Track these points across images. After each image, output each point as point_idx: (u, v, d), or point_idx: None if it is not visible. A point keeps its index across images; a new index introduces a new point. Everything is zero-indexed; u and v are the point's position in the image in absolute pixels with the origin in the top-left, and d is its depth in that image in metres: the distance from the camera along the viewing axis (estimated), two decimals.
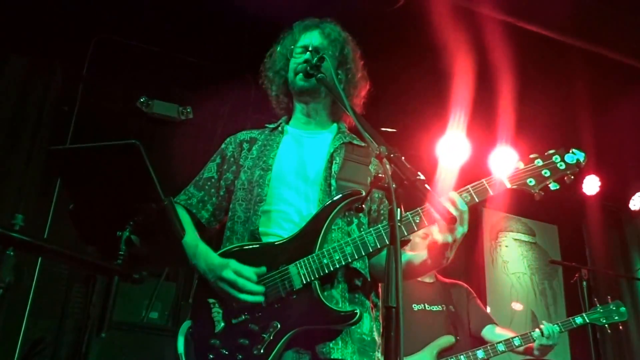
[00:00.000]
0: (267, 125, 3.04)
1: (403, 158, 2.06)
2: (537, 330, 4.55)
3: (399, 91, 6.04)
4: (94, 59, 5.81)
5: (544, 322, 4.64)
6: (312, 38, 2.93)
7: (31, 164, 5.47)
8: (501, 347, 4.53)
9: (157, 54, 5.97)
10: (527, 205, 7.76)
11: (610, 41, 5.55)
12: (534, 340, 4.51)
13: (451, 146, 6.73)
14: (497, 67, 5.56)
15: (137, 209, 1.99)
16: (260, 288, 2.46)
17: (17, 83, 5.59)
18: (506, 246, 7.84)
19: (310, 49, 2.87)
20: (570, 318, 4.69)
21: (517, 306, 7.54)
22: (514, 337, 4.56)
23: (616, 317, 4.64)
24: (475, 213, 7.69)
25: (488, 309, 7.11)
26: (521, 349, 4.59)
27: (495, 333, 4.72)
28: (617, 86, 6.19)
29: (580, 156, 2.51)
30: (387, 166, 2.05)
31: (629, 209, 7.89)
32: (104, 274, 1.92)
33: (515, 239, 7.95)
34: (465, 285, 5.13)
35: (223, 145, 3.01)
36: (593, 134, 6.62)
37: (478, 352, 4.52)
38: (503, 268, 7.71)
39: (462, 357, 4.50)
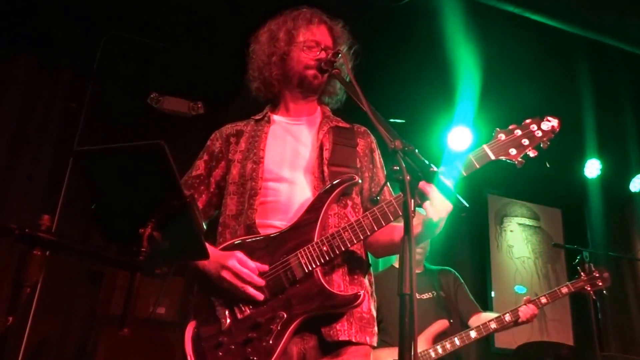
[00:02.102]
0: (252, 117, 3.04)
1: (417, 151, 2.10)
2: (509, 314, 4.64)
3: (407, 83, 6.09)
4: (105, 56, 5.82)
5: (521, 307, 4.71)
6: (323, 35, 2.91)
7: (40, 161, 5.51)
8: (493, 325, 4.62)
9: (167, 50, 5.98)
10: (531, 190, 7.84)
11: (613, 28, 5.57)
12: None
13: (459, 137, 6.80)
14: (502, 56, 5.61)
15: (159, 206, 2.03)
16: (261, 281, 2.49)
17: (25, 80, 5.60)
18: (511, 231, 7.89)
19: (322, 46, 2.86)
20: (556, 288, 4.74)
21: (521, 290, 7.60)
22: (506, 314, 4.65)
23: (600, 283, 4.69)
24: (481, 199, 7.77)
25: (492, 294, 7.22)
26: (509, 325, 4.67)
27: (481, 319, 4.81)
28: (617, 71, 6.23)
29: (554, 122, 2.64)
30: (402, 159, 2.07)
31: (630, 191, 7.95)
32: (128, 270, 1.96)
33: (520, 224, 8.00)
34: (453, 270, 5.21)
35: (209, 142, 3.00)
36: (594, 118, 6.66)
37: (471, 332, 4.61)
38: (508, 252, 7.77)
39: (455, 339, 4.59)
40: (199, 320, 2.57)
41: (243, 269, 2.48)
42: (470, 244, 7.42)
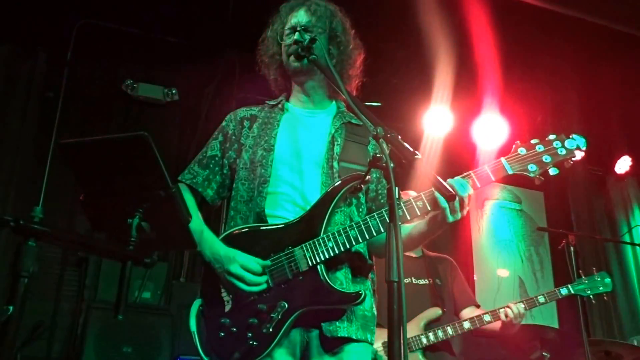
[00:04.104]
0: (267, 102, 3.04)
1: (400, 137, 2.11)
2: (505, 309, 4.65)
3: (382, 65, 6.06)
4: (78, 44, 5.81)
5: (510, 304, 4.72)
6: (299, 17, 2.90)
7: (19, 152, 5.52)
8: (487, 318, 4.63)
9: (140, 37, 5.99)
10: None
11: (594, 6, 5.57)
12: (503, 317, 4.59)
13: (436, 118, 6.82)
14: (481, 35, 5.59)
15: (145, 196, 2.04)
16: (264, 278, 2.52)
17: (2, 71, 5.59)
18: (492, 214, 7.91)
19: (298, 28, 2.85)
20: (555, 289, 4.72)
21: (504, 273, 7.65)
22: (485, 314, 4.64)
23: (601, 288, 4.66)
24: None
25: (475, 277, 7.25)
26: (491, 324, 4.66)
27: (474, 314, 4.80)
28: (601, 51, 6.20)
29: (581, 142, 2.53)
30: (385, 146, 2.11)
31: (615, 172, 8.00)
32: (118, 259, 1.98)
33: (502, 207, 8.02)
34: (451, 259, 5.18)
35: (224, 123, 3.00)
36: (578, 99, 6.68)
37: (465, 323, 4.62)
38: (490, 236, 7.79)
39: (448, 328, 4.57)
40: (205, 300, 2.61)
41: (246, 273, 2.50)
42: (451, 228, 7.40)
